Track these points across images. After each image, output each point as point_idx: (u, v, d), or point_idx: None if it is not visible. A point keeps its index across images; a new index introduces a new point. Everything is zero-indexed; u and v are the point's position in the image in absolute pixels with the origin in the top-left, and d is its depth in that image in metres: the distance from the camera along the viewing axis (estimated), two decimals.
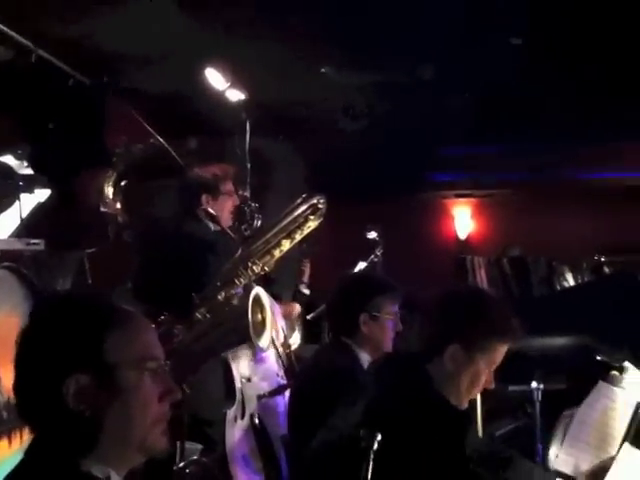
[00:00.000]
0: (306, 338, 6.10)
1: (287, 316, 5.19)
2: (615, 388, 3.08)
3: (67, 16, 4.12)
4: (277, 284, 5.84)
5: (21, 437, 2.65)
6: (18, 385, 1.62)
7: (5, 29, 3.82)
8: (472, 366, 2.43)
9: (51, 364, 1.58)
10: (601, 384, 3.04)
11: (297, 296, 6.53)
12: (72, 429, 1.56)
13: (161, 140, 4.37)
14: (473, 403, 3.80)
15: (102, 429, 1.58)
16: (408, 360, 2.51)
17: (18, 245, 3.24)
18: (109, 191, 4.39)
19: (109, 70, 4.83)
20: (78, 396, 1.55)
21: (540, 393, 3.48)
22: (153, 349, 1.68)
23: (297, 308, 5.54)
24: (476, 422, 3.71)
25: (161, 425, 1.65)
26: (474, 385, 2.47)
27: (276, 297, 5.40)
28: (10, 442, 2.81)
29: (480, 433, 3.68)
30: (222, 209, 4.34)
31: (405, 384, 2.42)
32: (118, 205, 4.46)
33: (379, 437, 1.94)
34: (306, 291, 6.79)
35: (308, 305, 6.51)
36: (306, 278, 6.86)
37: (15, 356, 1.62)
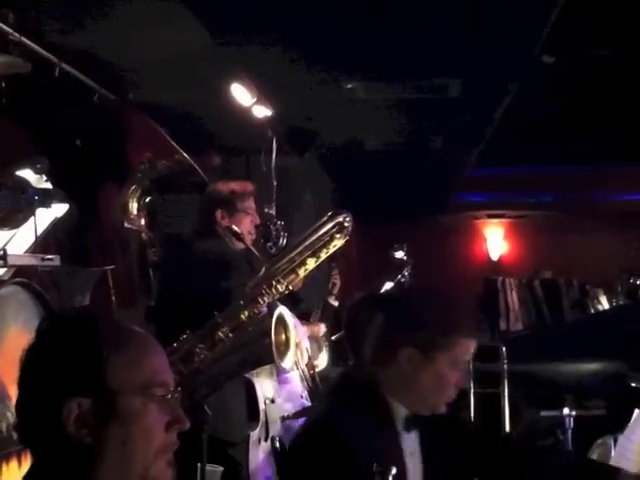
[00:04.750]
0: (333, 359, 6.01)
1: (311, 336, 5.11)
2: None
3: (91, 30, 4.08)
4: (305, 303, 5.76)
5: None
6: (18, 405, 1.54)
7: (28, 42, 3.77)
8: (433, 367, 2.30)
9: (50, 385, 1.49)
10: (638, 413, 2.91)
11: (326, 308, 6.42)
12: (70, 455, 1.47)
13: (186, 156, 4.30)
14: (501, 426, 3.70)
15: (102, 457, 1.48)
16: (358, 368, 2.40)
17: (32, 261, 3.15)
18: (133, 207, 4.32)
19: (133, 85, 4.79)
20: (77, 421, 1.46)
21: (572, 419, 3.38)
22: (161, 374, 1.57)
23: (322, 328, 5.44)
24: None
25: (166, 456, 1.54)
26: (441, 387, 2.33)
27: (304, 317, 5.32)
28: (20, 463, 2.74)
29: None
30: (239, 226, 4.22)
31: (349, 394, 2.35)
32: (143, 221, 4.38)
33: (394, 471, 1.86)
34: (335, 303, 6.67)
35: (336, 321, 6.39)
36: (336, 290, 6.75)
37: (18, 375, 1.54)
